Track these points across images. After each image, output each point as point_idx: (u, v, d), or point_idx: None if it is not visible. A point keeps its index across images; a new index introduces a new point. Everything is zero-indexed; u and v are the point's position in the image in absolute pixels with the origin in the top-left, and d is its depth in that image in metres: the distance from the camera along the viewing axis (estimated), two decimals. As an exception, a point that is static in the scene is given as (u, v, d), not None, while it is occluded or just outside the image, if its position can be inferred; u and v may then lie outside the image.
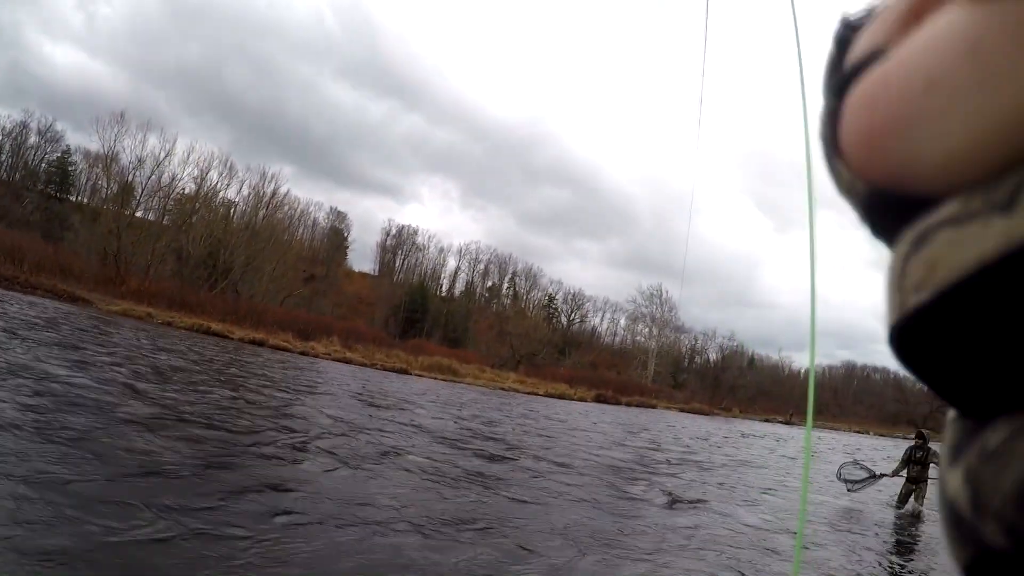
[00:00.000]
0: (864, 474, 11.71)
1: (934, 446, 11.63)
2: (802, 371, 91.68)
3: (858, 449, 30.49)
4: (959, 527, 0.14)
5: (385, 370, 38.18)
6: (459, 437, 11.90)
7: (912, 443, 11.89)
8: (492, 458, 10.07)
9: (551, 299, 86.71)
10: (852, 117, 0.17)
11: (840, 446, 32.86)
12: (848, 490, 11.61)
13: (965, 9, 0.14)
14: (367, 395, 17.35)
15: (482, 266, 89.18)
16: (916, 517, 10.76)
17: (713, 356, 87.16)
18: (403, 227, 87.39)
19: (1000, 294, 0.13)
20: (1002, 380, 0.13)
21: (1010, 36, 0.13)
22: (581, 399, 48.95)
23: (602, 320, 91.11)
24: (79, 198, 65.63)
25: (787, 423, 66.28)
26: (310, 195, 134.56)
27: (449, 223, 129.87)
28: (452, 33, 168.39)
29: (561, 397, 47.25)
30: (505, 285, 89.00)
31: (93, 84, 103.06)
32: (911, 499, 11.35)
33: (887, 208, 0.16)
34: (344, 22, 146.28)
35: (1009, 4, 0.13)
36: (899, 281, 0.16)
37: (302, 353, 36.33)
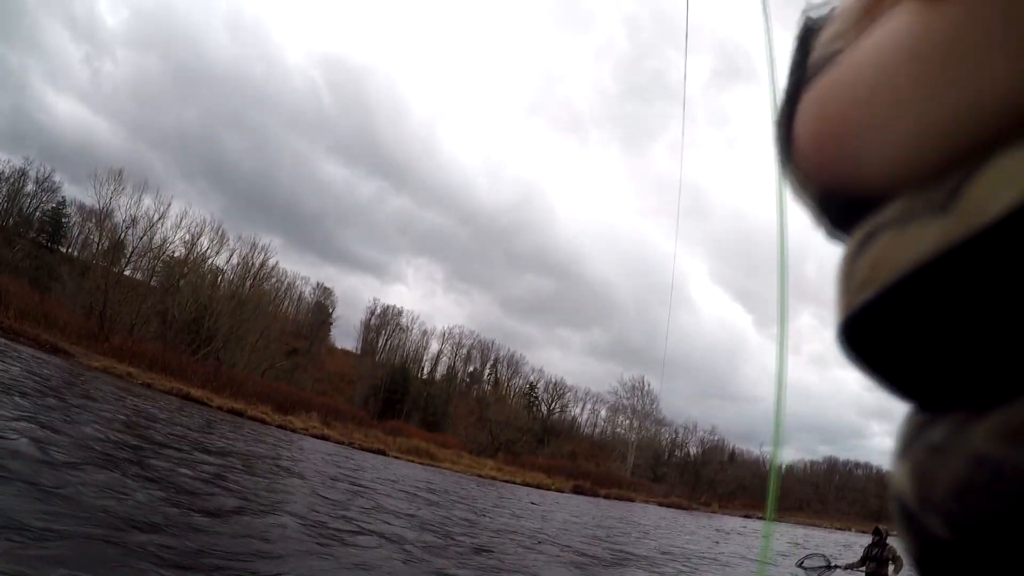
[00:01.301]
0: (822, 563, 11.84)
1: (893, 543, 11.33)
2: (783, 467, 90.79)
3: (847, 546, 29.93)
4: (908, 520, 0.15)
5: (363, 450, 37.86)
6: (441, 529, 11.75)
7: (870, 541, 11.52)
8: (478, 552, 9.95)
9: (532, 387, 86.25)
10: (804, 122, 0.17)
11: (822, 543, 32.21)
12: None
13: (909, 12, 0.15)
14: (346, 478, 16.95)
15: (464, 351, 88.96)
16: None
17: (693, 450, 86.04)
18: (388, 307, 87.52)
19: (937, 293, 0.13)
20: (945, 375, 0.14)
21: (948, 41, 0.13)
22: (559, 489, 48.58)
23: (583, 410, 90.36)
24: (69, 250, 65.39)
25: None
26: (296, 267, 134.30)
27: (433, 305, 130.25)
28: (442, 117, 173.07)
29: (539, 487, 46.88)
30: (487, 371, 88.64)
31: (92, 138, 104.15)
32: None
33: (838, 209, 0.17)
34: (339, 100, 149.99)
35: (948, 8, 0.14)
36: (846, 280, 0.16)
37: (280, 427, 36.02)
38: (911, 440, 0.15)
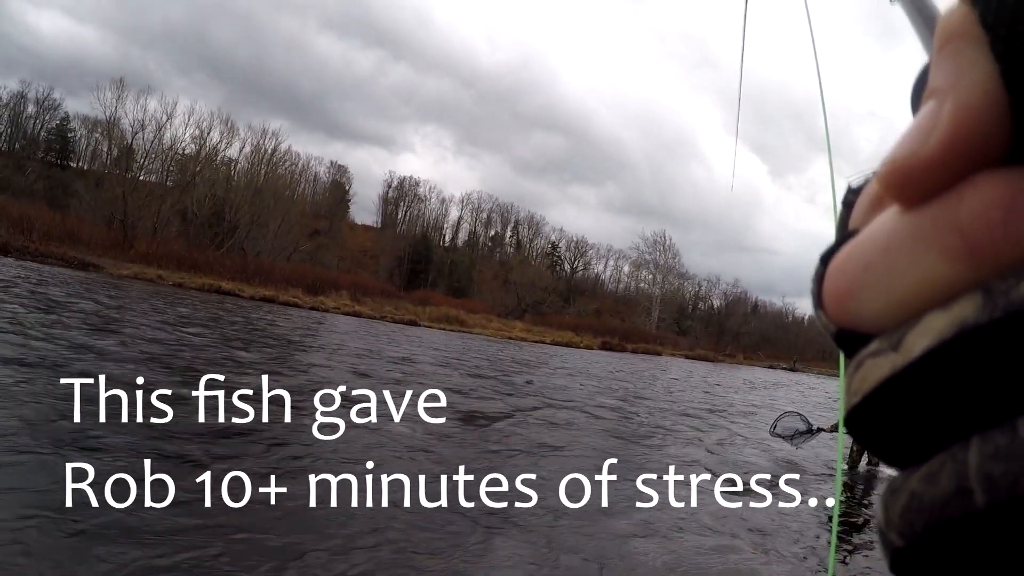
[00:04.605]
0: (803, 426, 9.57)
1: None
2: (806, 318, 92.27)
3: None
4: (882, 537, 0.21)
5: (395, 322, 38.22)
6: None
7: None
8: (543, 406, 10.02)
9: (554, 247, 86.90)
10: (828, 282, 0.24)
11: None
12: (793, 445, 9.79)
13: (891, 215, 0.22)
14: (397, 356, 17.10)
15: (484, 215, 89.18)
16: (869, 479, 10.32)
17: (717, 303, 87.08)
18: (404, 178, 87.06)
19: (888, 399, 0.21)
20: (899, 447, 0.21)
21: (903, 239, 0.21)
22: (588, 347, 49.37)
23: (605, 267, 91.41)
24: (80, 164, 65.45)
25: (791, 370, 66.57)
26: (303, 148, 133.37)
27: (444, 172, 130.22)
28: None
29: (568, 345, 47.60)
30: (508, 234, 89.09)
31: (83, 49, 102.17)
32: (863, 459, 10.82)
33: (848, 341, 0.24)
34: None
35: (906, 217, 0.21)
36: (847, 389, 0.23)
37: (312, 308, 36.52)
38: (885, 488, 0.22)
